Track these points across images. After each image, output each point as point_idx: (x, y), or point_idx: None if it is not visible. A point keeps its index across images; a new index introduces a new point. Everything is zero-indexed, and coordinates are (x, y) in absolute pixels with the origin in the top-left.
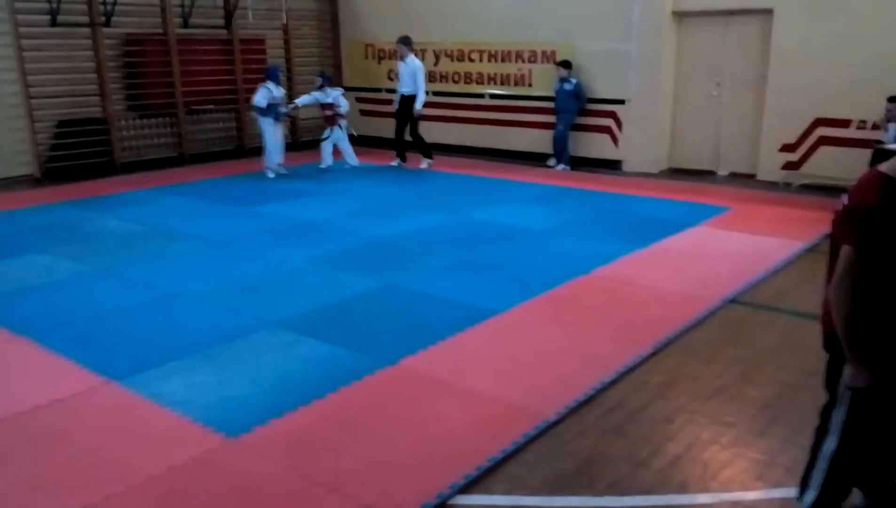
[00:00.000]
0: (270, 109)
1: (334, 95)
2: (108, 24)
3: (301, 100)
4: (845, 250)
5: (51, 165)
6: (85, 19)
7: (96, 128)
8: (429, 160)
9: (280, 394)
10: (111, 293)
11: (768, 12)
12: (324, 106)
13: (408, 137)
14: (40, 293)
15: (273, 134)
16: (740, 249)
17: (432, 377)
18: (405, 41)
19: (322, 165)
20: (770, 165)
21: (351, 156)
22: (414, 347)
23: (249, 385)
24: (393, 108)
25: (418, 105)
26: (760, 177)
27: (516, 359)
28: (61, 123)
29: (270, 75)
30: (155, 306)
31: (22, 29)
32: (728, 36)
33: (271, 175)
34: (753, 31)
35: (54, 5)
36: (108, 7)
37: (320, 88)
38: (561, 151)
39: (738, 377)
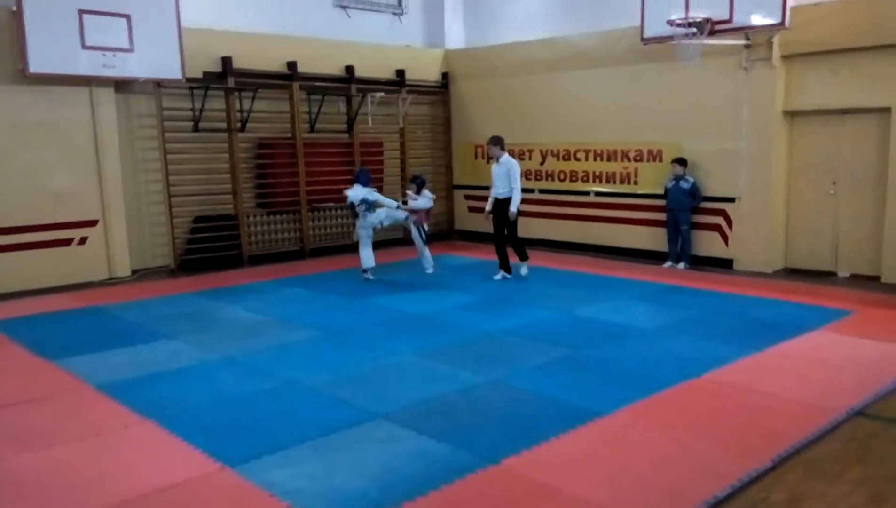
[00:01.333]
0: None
1: (425, 199)
2: (243, 129)
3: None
4: None
5: (185, 258)
6: (223, 126)
7: (227, 223)
8: (527, 264)
9: (385, 488)
10: (232, 380)
11: (886, 111)
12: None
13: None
14: (168, 378)
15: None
16: (866, 356)
17: (535, 480)
18: (495, 141)
19: (429, 270)
20: None
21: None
22: (517, 447)
23: (355, 478)
24: (486, 209)
25: (513, 207)
26: (885, 279)
27: (623, 465)
28: (197, 219)
29: (362, 179)
30: (271, 395)
31: (167, 134)
32: (843, 134)
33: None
34: (871, 129)
35: (197, 113)
36: (244, 115)
37: (416, 192)
38: (685, 250)
39: (868, 499)
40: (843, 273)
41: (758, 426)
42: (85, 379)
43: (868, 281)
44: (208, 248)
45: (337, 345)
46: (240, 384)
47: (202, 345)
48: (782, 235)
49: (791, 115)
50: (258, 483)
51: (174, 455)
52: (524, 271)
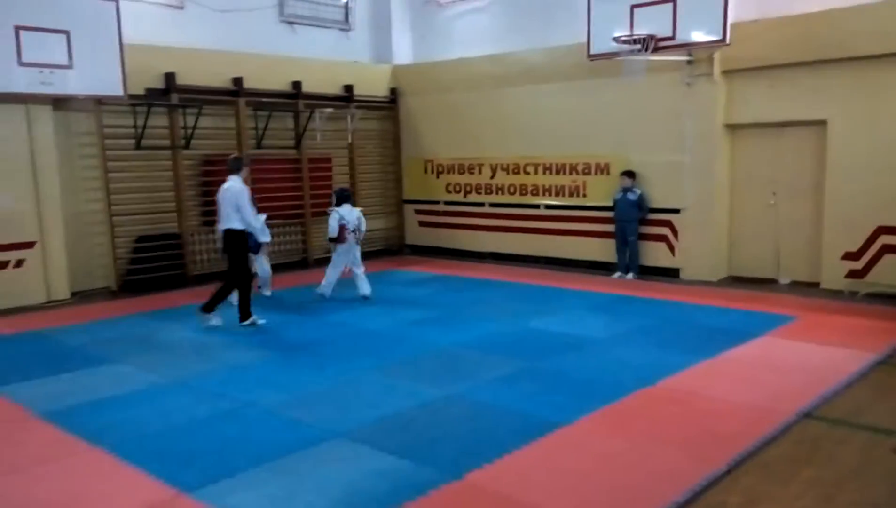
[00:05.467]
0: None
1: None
2: (187, 146)
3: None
4: None
5: (128, 278)
6: (166, 143)
7: (171, 243)
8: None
9: None
10: (183, 404)
11: (822, 123)
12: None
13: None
14: (115, 404)
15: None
16: (810, 360)
17: (499, 493)
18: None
19: (323, 291)
20: (834, 274)
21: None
22: (479, 460)
23: (319, 499)
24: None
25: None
26: (824, 285)
27: (584, 474)
28: (139, 239)
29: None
30: (225, 417)
31: (109, 152)
32: (782, 147)
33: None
34: (808, 141)
35: (139, 131)
36: (188, 131)
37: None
38: (633, 261)
39: (820, 499)
40: (784, 280)
41: (712, 430)
42: (26, 406)
43: (808, 287)
44: (152, 268)
45: (290, 364)
46: (192, 407)
47: (150, 368)
48: (726, 244)
49: (732, 128)
50: None
51: (126, 482)
52: (215, 320)
